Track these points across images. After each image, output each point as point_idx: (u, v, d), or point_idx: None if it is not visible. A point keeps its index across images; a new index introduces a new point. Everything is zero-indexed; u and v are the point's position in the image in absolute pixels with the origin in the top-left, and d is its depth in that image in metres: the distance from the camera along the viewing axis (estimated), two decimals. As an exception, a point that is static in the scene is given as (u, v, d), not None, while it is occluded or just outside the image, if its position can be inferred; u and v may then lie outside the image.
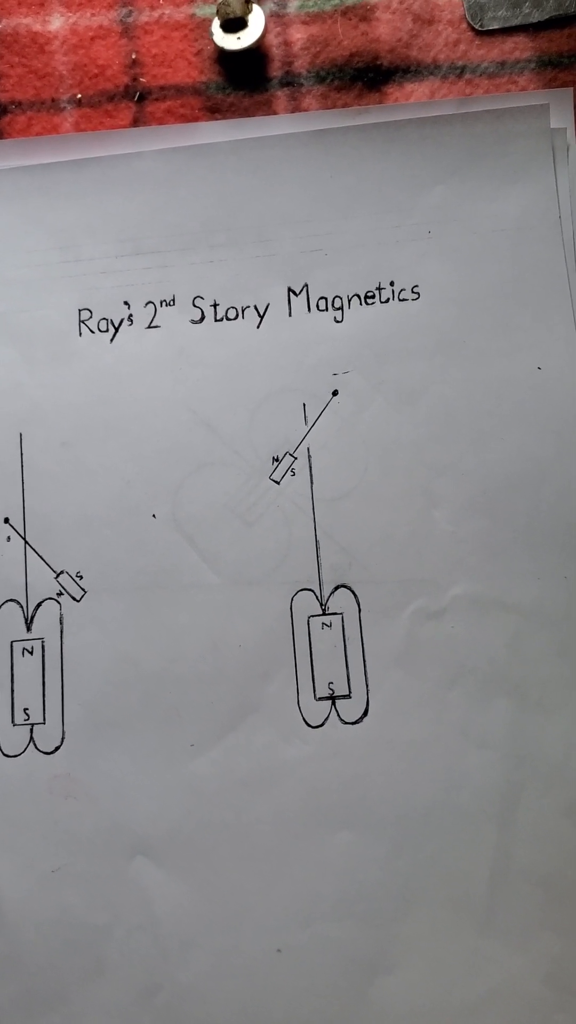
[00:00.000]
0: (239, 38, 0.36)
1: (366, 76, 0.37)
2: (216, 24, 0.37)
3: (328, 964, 0.31)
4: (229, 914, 0.31)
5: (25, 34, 0.38)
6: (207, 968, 0.31)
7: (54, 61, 0.37)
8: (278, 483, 0.34)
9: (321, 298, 0.35)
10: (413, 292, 0.35)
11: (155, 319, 0.35)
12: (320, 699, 0.32)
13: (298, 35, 0.37)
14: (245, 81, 0.37)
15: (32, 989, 0.31)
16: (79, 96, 0.37)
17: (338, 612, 0.33)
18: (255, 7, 0.37)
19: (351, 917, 0.31)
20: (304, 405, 0.34)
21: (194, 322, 0.35)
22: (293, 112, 0.37)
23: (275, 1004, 0.31)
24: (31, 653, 0.33)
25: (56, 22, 0.38)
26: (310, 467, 0.34)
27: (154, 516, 0.34)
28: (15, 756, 0.32)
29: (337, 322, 0.35)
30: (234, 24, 0.36)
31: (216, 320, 0.35)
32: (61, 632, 0.33)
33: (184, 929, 0.31)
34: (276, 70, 0.37)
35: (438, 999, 0.30)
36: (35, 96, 0.37)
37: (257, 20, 0.37)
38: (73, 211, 0.36)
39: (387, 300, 0.35)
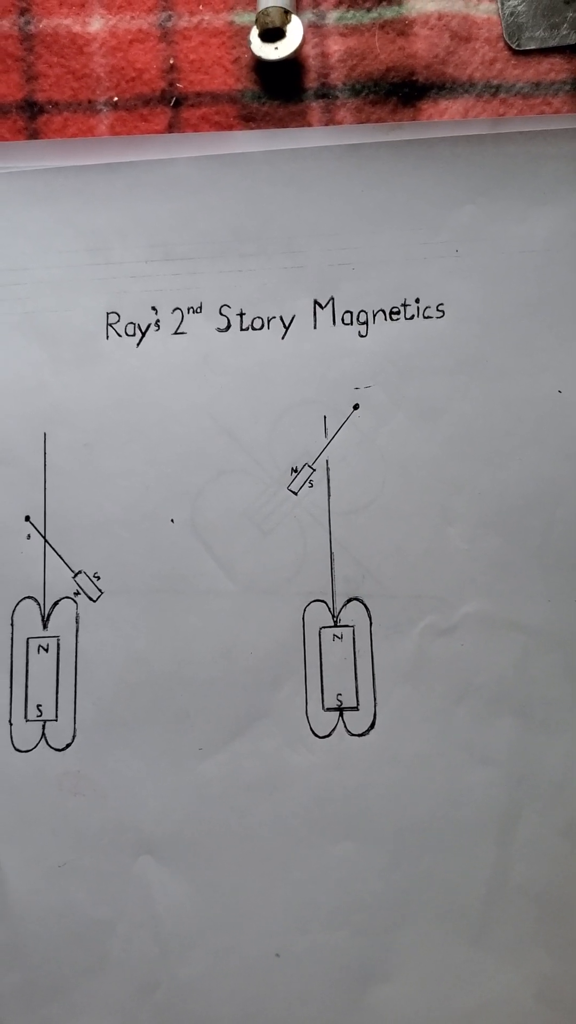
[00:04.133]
0: (277, 48, 0.37)
1: (401, 91, 0.37)
2: (255, 33, 0.37)
3: (325, 970, 0.31)
4: (230, 916, 0.32)
5: (65, 35, 0.38)
6: (206, 968, 0.32)
7: (92, 63, 0.38)
8: (296, 493, 0.34)
9: (347, 312, 0.35)
10: (438, 310, 0.35)
11: (182, 325, 0.35)
12: (328, 710, 0.33)
13: (335, 47, 0.37)
14: (281, 91, 0.37)
15: (34, 980, 0.32)
16: (116, 99, 0.37)
17: (349, 624, 0.33)
18: (294, 18, 0.37)
19: (349, 925, 0.32)
20: (325, 417, 0.35)
21: (220, 330, 0.35)
22: (327, 124, 0.37)
23: (272, 1007, 0.31)
24: (46, 651, 0.34)
25: (96, 24, 0.38)
26: (328, 479, 0.34)
27: (172, 521, 0.34)
28: (27, 751, 0.33)
29: (361, 336, 0.35)
30: (272, 34, 0.37)
31: (242, 329, 0.35)
32: (77, 631, 0.34)
33: (185, 928, 0.32)
34: (312, 81, 0.37)
35: (432, 1009, 0.31)
36: (72, 97, 0.38)
37: (295, 31, 0.37)
38: (105, 214, 0.36)
39: (412, 317, 0.35)
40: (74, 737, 0.33)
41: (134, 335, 0.36)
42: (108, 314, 0.36)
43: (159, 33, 0.38)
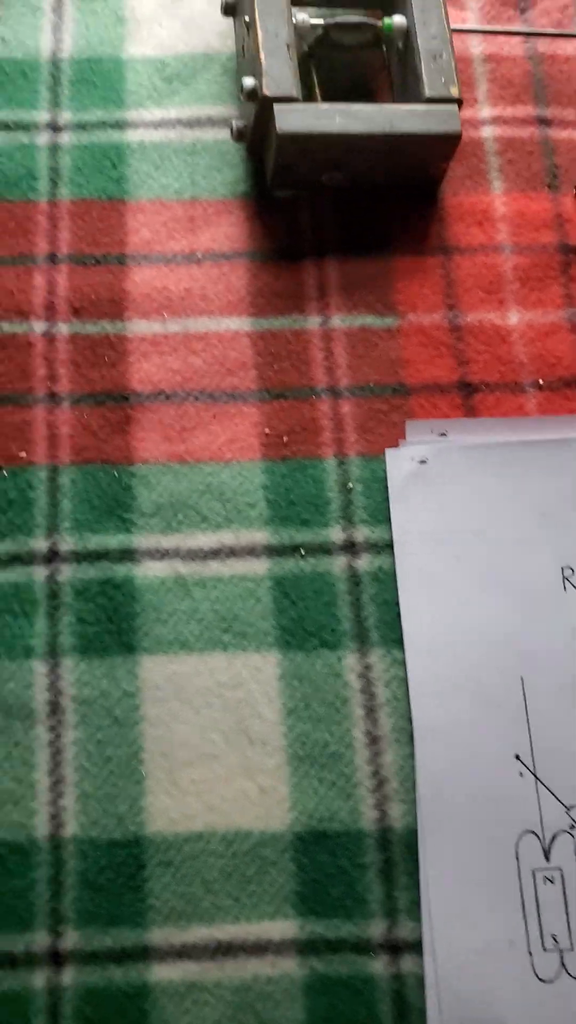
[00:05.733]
0: None
1: None
2: None
3: None
4: None
5: (489, 327, 0.45)
6: None
7: (514, 350, 0.44)
8: None
9: None
10: None
11: (630, 581, 0.41)
12: None
13: None
14: None
15: None
16: (540, 381, 0.44)
17: None
18: None
19: None
20: None
21: None
22: None
23: None
24: (552, 882, 0.37)
25: (514, 318, 0.45)
26: None
27: None
28: (550, 982, 0.36)
29: None
30: None
31: None
32: (578, 863, 0.37)
33: None
34: None
35: None
36: (500, 379, 0.44)
37: None
38: (551, 484, 0.42)
39: None
40: (593, 966, 0.36)
41: (588, 588, 0.41)
42: (563, 568, 0.41)
43: (569, 326, 0.45)
